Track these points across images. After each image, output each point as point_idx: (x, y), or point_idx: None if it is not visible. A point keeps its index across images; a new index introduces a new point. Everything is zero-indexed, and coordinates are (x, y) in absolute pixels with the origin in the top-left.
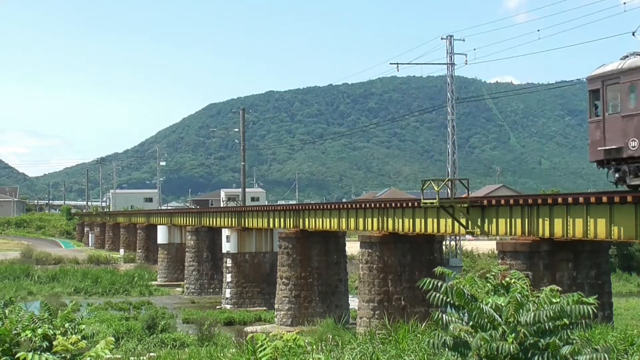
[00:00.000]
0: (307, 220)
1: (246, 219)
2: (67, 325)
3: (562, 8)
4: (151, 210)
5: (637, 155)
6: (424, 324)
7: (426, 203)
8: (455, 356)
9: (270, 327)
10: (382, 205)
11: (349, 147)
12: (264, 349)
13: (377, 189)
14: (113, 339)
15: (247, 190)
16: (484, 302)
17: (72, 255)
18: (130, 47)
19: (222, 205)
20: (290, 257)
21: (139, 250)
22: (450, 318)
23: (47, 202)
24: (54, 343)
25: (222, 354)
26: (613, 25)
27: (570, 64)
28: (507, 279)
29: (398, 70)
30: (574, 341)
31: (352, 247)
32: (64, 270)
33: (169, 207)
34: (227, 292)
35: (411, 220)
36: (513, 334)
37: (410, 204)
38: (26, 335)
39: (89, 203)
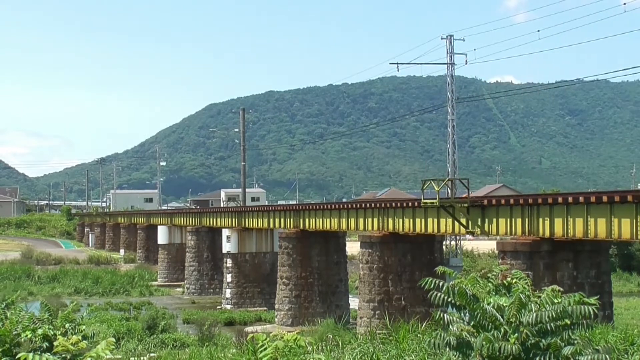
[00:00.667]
0: (307, 220)
1: (246, 219)
2: (67, 325)
3: (562, 8)
4: (151, 211)
5: None
6: (424, 324)
7: (426, 203)
8: (457, 356)
9: (270, 327)
10: (382, 205)
11: (349, 147)
12: (265, 349)
13: (377, 189)
14: (113, 339)
15: (247, 190)
16: (485, 302)
17: (72, 256)
18: (130, 47)
19: (222, 205)
20: (291, 257)
21: (139, 251)
22: (451, 318)
23: (47, 202)
24: (55, 343)
25: (222, 354)
26: (613, 25)
27: (570, 64)
28: (508, 279)
29: (398, 70)
30: (576, 341)
31: (353, 247)
32: (64, 271)
33: (169, 208)
34: (228, 292)
35: (411, 220)
36: (515, 334)
37: (410, 204)
38: (26, 335)
39: (89, 203)
